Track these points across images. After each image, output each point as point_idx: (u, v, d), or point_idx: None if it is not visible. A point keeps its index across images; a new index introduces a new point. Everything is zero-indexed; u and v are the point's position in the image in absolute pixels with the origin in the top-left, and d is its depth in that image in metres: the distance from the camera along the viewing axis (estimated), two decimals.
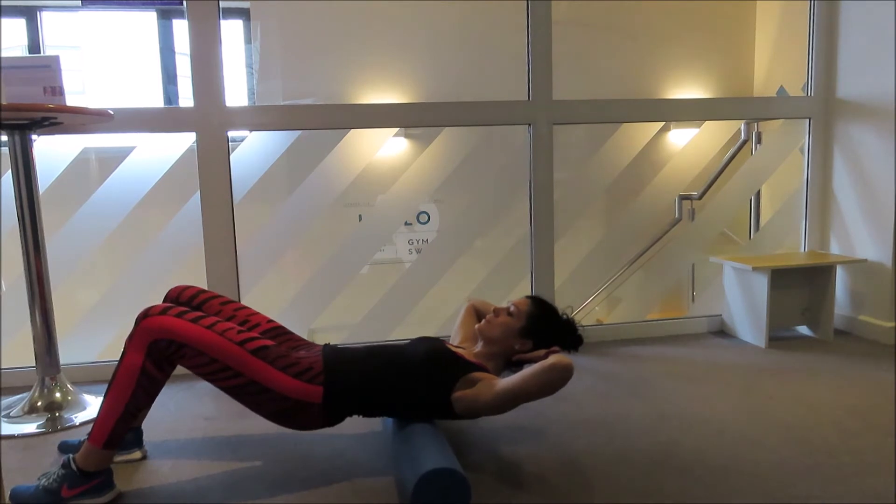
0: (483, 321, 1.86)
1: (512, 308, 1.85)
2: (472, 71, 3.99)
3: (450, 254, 2.96)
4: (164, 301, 1.83)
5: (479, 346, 1.86)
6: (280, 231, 2.78)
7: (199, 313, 1.62)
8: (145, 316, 1.56)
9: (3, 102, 1.98)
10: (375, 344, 1.87)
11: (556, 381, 1.56)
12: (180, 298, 1.83)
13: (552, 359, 1.58)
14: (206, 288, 1.93)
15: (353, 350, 1.78)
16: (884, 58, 2.74)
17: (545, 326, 1.84)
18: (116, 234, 2.62)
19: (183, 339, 1.54)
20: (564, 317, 1.90)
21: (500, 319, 1.83)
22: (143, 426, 1.86)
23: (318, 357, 1.70)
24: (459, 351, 1.79)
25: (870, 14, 2.80)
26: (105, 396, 1.56)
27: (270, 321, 1.88)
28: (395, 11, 3.93)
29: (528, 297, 1.91)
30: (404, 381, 1.69)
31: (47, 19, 3.89)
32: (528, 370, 1.60)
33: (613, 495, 1.57)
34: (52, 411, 2.13)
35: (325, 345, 1.84)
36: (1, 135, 2.12)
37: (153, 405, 1.74)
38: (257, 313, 1.88)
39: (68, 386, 2.21)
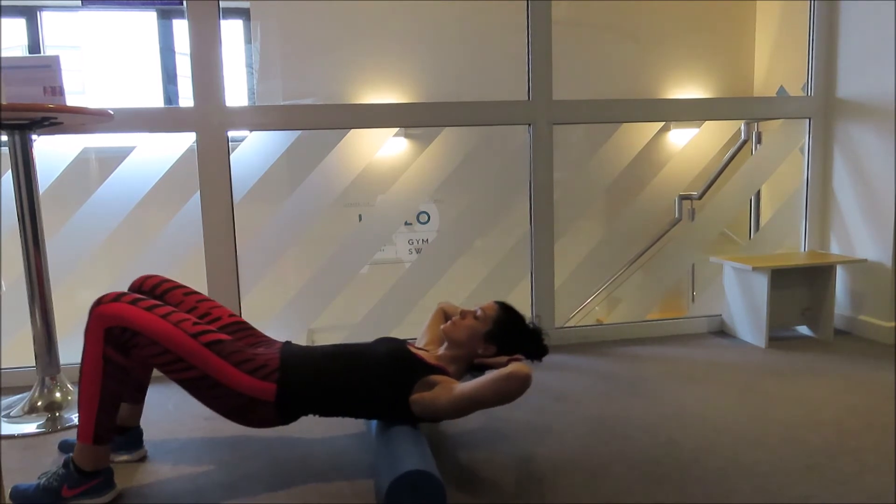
0: (449, 322, 1.85)
1: (479, 312, 1.83)
2: (472, 71, 3.98)
3: (450, 254, 2.96)
4: (129, 290, 1.78)
5: (442, 349, 1.84)
6: (280, 231, 2.77)
7: (155, 302, 1.59)
8: (98, 303, 1.53)
9: (3, 102, 1.98)
10: (337, 343, 1.84)
11: (513, 390, 1.56)
12: (143, 287, 1.79)
13: (511, 367, 1.58)
14: (175, 280, 1.86)
15: (312, 349, 1.76)
16: (884, 58, 2.74)
17: (510, 333, 1.83)
18: (116, 234, 2.62)
19: (136, 326, 1.51)
20: (531, 326, 1.89)
21: (465, 322, 1.82)
22: (144, 426, 1.86)
23: (275, 354, 1.67)
24: (421, 353, 1.78)
25: (870, 14, 2.80)
26: (79, 393, 1.54)
27: (233, 315, 1.84)
28: (395, 11, 3.93)
29: (496, 302, 1.89)
30: (361, 382, 1.67)
31: (47, 19, 3.89)
32: (487, 376, 1.60)
33: (613, 495, 1.57)
34: (52, 411, 2.13)
35: (286, 342, 1.81)
36: (1, 135, 2.12)
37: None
38: (220, 306, 1.84)
39: (68, 386, 2.21)
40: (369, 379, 1.68)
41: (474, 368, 1.82)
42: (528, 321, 1.89)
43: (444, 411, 1.66)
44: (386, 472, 1.48)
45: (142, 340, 1.52)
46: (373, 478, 1.67)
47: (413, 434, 1.64)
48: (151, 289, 1.79)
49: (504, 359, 1.75)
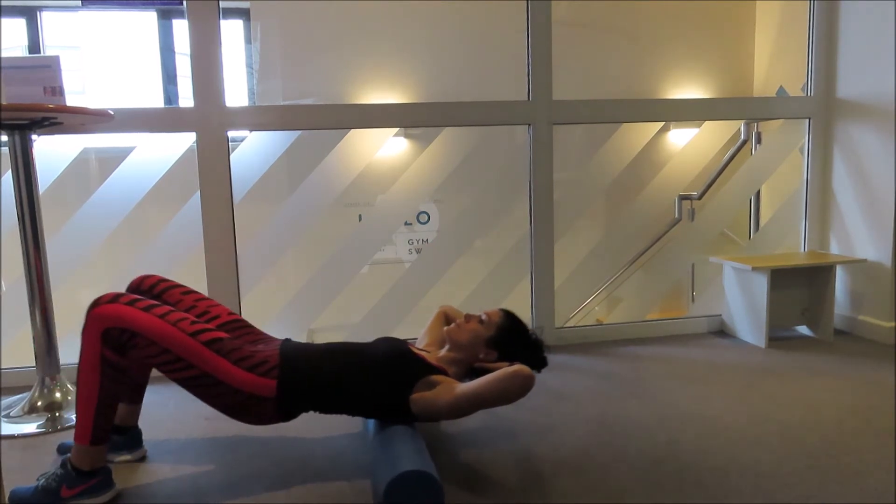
0: (453, 324, 1.85)
1: (483, 317, 1.84)
2: (472, 71, 3.99)
3: (450, 254, 2.96)
4: (127, 290, 1.79)
5: (443, 351, 1.85)
6: (280, 231, 2.78)
7: (153, 302, 1.58)
8: (95, 305, 1.53)
9: (3, 102, 1.98)
10: (338, 341, 1.84)
11: (516, 389, 1.57)
12: (141, 287, 1.79)
13: (515, 366, 1.58)
14: (176, 281, 1.86)
15: (313, 346, 1.76)
16: (884, 58, 2.74)
17: (513, 341, 1.84)
18: (116, 234, 2.62)
19: (134, 327, 1.50)
20: (534, 336, 1.89)
21: (469, 325, 1.82)
22: (143, 426, 1.86)
23: (275, 351, 1.68)
24: (422, 353, 1.78)
25: (870, 14, 2.80)
26: (77, 394, 1.54)
27: (231, 313, 1.85)
28: (394, 11, 3.93)
29: (501, 309, 1.89)
30: (361, 380, 1.68)
31: (47, 19, 3.89)
32: (489, 376, 1.60)
33: (613, 495, 1.57)
34: (52, 411, 2.13)
35: (286, 339, 1.81)
36: (1, 135, 2.12)
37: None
38: (218, 305, 1.85)
39: (68, 386, 2.21)
40: (370, 377, 1.68)
41: (473, 373, 1.82)
42: (531, 331, 1.89)
43: (444, 411, 1.66)
44: (383, 472, 1.48)
45: (140, 341, 1.52)
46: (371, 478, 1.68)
47: (411, 434, 1.64)
48: (149, 288, 1.79)
49: (505, 365, 1.75)
